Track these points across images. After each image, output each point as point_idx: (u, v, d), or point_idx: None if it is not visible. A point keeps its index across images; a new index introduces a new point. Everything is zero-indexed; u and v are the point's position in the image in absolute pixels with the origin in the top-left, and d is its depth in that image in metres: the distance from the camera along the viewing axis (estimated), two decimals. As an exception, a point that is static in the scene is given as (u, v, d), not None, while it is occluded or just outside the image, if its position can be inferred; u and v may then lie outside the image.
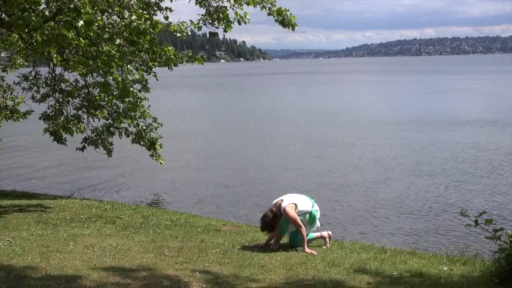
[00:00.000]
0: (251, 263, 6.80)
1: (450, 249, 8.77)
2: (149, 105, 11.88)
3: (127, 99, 10.52)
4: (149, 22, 7.45)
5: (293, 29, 9.52)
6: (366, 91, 54.55)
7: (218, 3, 9.44)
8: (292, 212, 7.61)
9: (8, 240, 7.55)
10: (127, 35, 7.51)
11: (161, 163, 12.56)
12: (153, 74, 11.17)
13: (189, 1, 9.78)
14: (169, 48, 9.49)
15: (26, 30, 6.42)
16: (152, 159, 12.48)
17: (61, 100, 11.53)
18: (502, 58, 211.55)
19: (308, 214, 7.79)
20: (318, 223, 8.00)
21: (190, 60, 10.38)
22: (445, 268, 6.83)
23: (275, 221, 7.72)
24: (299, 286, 5.94)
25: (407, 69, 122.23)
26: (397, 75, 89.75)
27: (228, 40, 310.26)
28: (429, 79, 72.90)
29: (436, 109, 34.23)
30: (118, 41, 7.39)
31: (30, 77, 11.97)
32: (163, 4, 9.98)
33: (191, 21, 9.77)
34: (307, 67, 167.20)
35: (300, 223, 7.62)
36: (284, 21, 9.44)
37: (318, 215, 7.94)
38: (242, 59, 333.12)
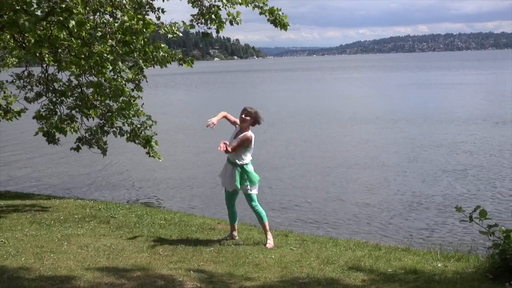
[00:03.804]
0: (246, 262, 6.81)
1: (444, 246, 8.80)
2: (143, 103, 11.85)
3: (120, 99, 10.51)
4: (141, 22, 7.43)
5: (285, 29, 9.48)
6: (360, 88, 54.60)
7: (210, 2, 9.41)
8: (248, 142, 7.63)
9: (2, 241, 7.53)
10: (120, 35, 7.49)
11: (159, 158, 12.52)
12: (143, 76, 11.11)
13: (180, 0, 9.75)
14: (162, 45, 9.45)
15: (18, 30, 6.39)
16: (149, 156, 12.45)
17: (54, 99, 11.49)
18: (496, 54, 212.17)
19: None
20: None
21: (180, 62, 10.33)
22: (439, 265, 6.85)
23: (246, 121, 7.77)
24: (293, 284, 5.95)
25: (402, 65, 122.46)
26: (391, 72, 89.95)
27: (222, 38, 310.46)
28: (424, 75, 73.06)
29: (430, 105, 34.30)
30: (110, 41, 7.37)
31: (23, 76, 11.94)
32: (155, 4, 9.95)
33: (183, 22, 9.73)
34: (301, 65, 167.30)
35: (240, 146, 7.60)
36: (276, 21, 9.40)
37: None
38: (236, 57, 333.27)
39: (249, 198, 7.75)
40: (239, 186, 7.66)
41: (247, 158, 7.73)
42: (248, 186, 7.67)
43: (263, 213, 7.77)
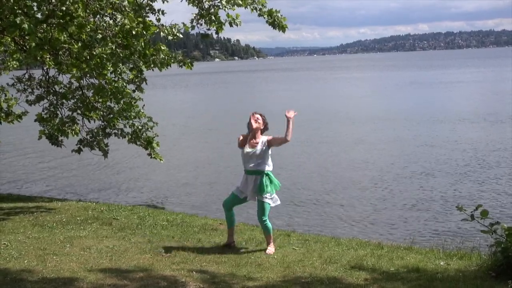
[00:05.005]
0: (248, 262, 6.81)
1: (446, 244, 8.80)
2: (143, 105, 11.85)
3: (121, 100, 10.50)
4: (141, 25, 7.43)
5: (283, 31, 9.44)
6: (360, 87, 54.58)
7: (210, 3, 9.40)
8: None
9: (5, 244, 7.53)
10: (120, 38, 7.49)
11: (160, 160, 12.53)
12: (142, 79, 11.10)
13: (181, 0, 9.75)
14: (163, 48, 9.45)
15: (19, 33, 6.40)
16: (151, 157, 12.47)
17: (55, 102, 11.50)
18: (496, 52, 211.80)
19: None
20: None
21: (180, 63, 10.31)
22: (442, 263, 6.85)
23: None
24: (296, 284, 5.95)
25: (403, 64, 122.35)
26: (391, 71, 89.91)
27: (222, 39, 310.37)
28: (425, 74, 73.01)
29: (431, 104, 34.29)
30: (110, 45, 7.37)
31: (24, 79, 11.95)
32: (155, 6, 9.94)
33: (183, 23, 9.73)
34: (302, 64, 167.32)
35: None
36: (275, 22, 9.38)
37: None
38: (236, 57, 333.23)
39: (262, 208, 7.33)
40: (262, 194, 7.31)
41: (271, 164, 7.52)
42: (267, 194, 7.32)
43: (270, 227, 7.46)
